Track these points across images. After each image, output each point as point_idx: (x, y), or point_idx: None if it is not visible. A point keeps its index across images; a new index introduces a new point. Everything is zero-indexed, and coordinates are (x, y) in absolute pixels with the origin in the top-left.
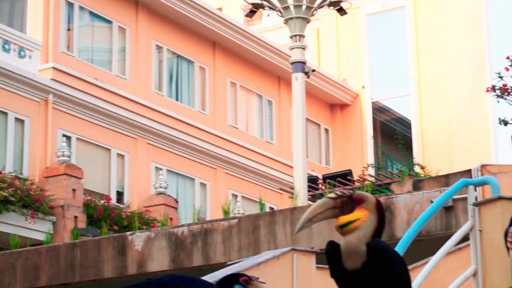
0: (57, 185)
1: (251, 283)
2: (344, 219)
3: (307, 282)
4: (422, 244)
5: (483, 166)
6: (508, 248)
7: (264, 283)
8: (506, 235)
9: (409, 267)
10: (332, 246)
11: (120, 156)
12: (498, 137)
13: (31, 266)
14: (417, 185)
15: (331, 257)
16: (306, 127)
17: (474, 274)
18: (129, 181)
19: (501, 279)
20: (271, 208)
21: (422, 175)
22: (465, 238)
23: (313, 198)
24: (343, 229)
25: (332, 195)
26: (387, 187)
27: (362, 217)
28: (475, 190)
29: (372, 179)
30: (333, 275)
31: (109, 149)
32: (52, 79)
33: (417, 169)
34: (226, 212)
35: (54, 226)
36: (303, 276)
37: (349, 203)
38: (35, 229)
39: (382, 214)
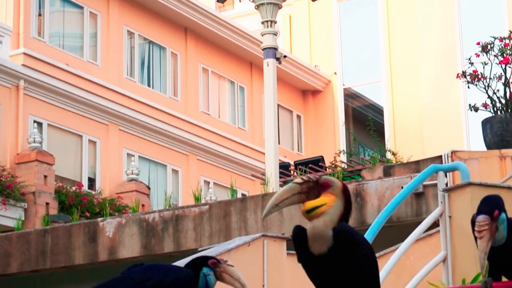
0: (28, 171)
1: (219, 265)
2: (310, 204)
3: (278, 268)
4: (393, 231)
5: (453, 152)
6: (475, 237)
7: (232, 266)
8: (473, 223)
9: (380, 253)
10: (299, 231)
11: (92, 142)
12: (470, 123)
13: (2, 252)
14: (388, 171)
15: (298, 241)
16: (278, 114)
17: (444, 260)
18: (100, 167)
19: (470, 265)
20: (243, 195)
21: (394, 162)
22: (436, 224)
23: (284, 185)
24: (309, 214)
25: (298, 180)
26: (358, 173)
27: (328, 202)
28: (446, 176)
29: (344, 166)
30: (300, 260)
31: (80, 136)
32: (23, 65)
33: (388, 155)
34: (197, 199)
35: (25, 213)
36: (273, 262)
37: (315, 188)
38: (6, 215)
39: (349, 199)
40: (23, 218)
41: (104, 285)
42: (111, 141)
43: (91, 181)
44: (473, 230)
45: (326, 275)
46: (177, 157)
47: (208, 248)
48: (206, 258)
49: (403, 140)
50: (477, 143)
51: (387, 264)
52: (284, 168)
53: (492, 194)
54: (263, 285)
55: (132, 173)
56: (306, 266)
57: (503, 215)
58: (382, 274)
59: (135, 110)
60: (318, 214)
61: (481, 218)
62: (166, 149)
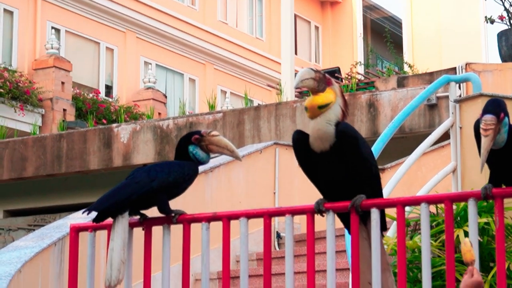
0: (46, 77)
1: (203, 139)
2: (323, 99)
3: (289, 176)
4: (406, 142)
5: (468, 64)
6: (478, 142)
7: (217, 135)
8: (476, 128)
9: (392, 163)
10: (298, 134)
11: (109, 49)
12: (488, 36)
13: (18, 156)
14: (402, 83)
15: (298, 144)
16: (296, 25)
17: (454, 171)
18: (118, 75)
19: (479, 176)
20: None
21: (410, 74)
22: (449, 136)
23: (300, 95)
24: (321, 109)
25: (311, 71)
26: (373, 85)
27: (333, 99)
28: (459, 88)
29: (360, 77)
30: (301, 163)
31: (98, 43)
32: None
33: (406, 68)
34: (212, 107)
35: (43, 119)
36: (285, 170)
37: (323, 81)
38: (24, 121)
39: (345, 100)
40: (40, 124)
41: (110, 192)
42: (129, 48)
43: (108, 89)
44: (476, 135)
45: (327, 174)
46: (194, 66)
47: (221, 155)
48: (189, 136)
49: (421, 52)
50: (495, 56)
51: (397, 174)
52: None
53: (498, 98)
54: (274, 192)
55: (149, 81)
56: (308, 169)
57: (506, 119)
58: (392, 184)
59: (152, 18)
60: (325, 111)
61: (488, 117)
62: (183, 58)
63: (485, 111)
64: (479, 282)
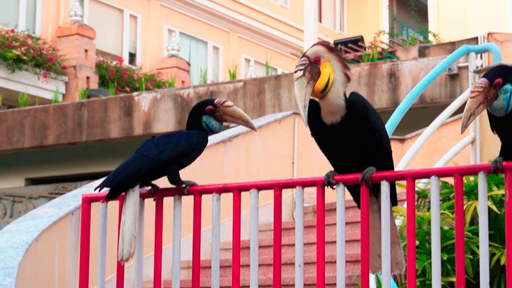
0: (69, 45)
1: (216, 110)
2: (320, 84)
3: (308, 146)
4: (427, 112)
5: (490, 34)
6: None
7: (231, 105)
8: None
9: (413, 133)
10: (311, 104)
11: (133, 17)
12: None
13: (39, 124)
14: (423, 52)
15: (310, 115)
16: None
17: (472, 142)
18: (141, 43)
19: (497, 147)
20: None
21: (434, 43)
22: None
23: None
24: (325, 92)
25: (298, 74)
26: (395, 54)
27: (330, 72)
28: (481, 58)
29: (384, 46)
30: (313, 134)
31: (121, 10)
32: None
33: (430, 37)
34: (233, 75)
35: (66, 86)
36: (304, 139)
37: (314, 67)
38: (47, 88)
39: (338, 53)
40: (63, 92)
41: (120, 167)
42: (152, 16)
43: (132, 56)
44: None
45: (338, 146)
46: (218, 34)
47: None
48: (204, 106)
49: (446, 21)
50: None
51: (416, 144)
52: None
53: (507, 65)
54: (293, 162)
55: (173, 49)
56: (320, 140)
57: (508, 86)
58: (411, 154)
59: None
60: (330, 87)
61: (479, 81)
62: (207, 26)
63: (483, 75)
64: None
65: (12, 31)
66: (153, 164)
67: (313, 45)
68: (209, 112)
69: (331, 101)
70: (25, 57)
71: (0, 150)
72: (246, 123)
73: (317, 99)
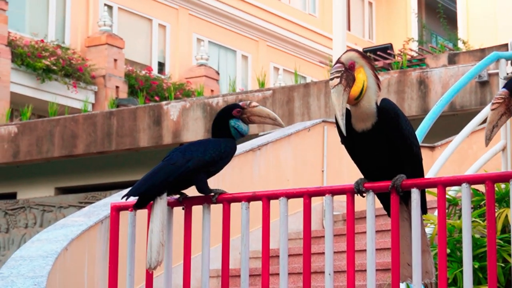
0: (98, 54)
1: (244, 112)
2: (354, 91)
3: (337, 153)
4: (457, 119)
5: None
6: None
7: (257, 105)
8: None
9: (443, 141)
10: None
11: (162, 26)
12: None
13: (69, 134)
14: (453, 59)
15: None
16: (349, 0)
17: (503, 149)
18: (170, 52)
19: None
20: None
21: (464, 50)
22: None
23: None
24: (359, 99)
25: (335, 81)
26: (424, 61)
27: (364, 78)
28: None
29: (413, 53)
30: (343, 141)
31: (150, 20)
32: None
33: (460, 44)
34: (262, 84)
35: (96, 96)
36: (333, 147)
37: (349, 74)
38: (77, 98)
39: (370, 60)
40: (92, 101)
41: (147, 176)
42: (181, 25)
43: (161, 66)
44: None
45: (368, 154)
46: (247, 42)
47: (270, 133)
48: (230, 110)
49: (475, 28)
50: None
51: (447, 152)
52: None
53: None
54: (323, 170)
55: (202, 58)
56: (350, 147)
57: None
58: (441, 162)
59: None
60: (363, 96)
61: (500, 91)
62: (236, 35)
63: (503, 85)
64: None
65: (42, 41)
66: (180, 173)
67: (346, 51)
68: (237, 115)
69: (364, 108)
70: (54, 67)
71: (30, 160)
72: (274, 121)
73: (348, 106)
